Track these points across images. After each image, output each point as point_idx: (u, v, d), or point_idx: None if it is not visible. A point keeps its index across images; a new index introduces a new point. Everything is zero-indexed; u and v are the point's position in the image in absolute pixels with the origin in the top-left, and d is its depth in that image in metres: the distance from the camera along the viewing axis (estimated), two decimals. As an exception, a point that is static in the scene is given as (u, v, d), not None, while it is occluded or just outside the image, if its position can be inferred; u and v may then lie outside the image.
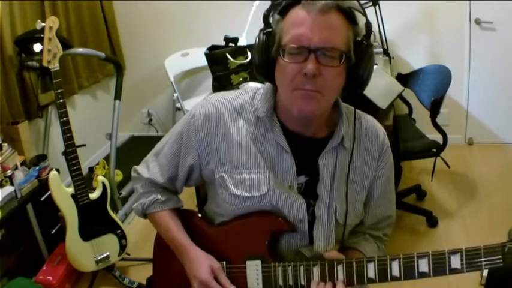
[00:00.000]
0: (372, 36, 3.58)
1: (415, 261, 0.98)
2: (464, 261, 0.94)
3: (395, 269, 1.00)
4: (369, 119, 1.22)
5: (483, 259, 0.92)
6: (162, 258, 1.29)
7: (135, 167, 1.32)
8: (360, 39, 1.06)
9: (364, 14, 1.05)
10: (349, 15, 1.03)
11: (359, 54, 1.05)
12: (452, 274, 0.95)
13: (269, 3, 1.08)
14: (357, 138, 1.17)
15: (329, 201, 1.14)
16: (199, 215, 1.31)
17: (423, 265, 0.98)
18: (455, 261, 0.94)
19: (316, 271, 1.08)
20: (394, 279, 1.01)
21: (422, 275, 0.98)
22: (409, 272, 0.99)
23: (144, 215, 1.30)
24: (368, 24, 1.06)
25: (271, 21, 1.08)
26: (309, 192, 1.15)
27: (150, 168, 1.27)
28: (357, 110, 1.18)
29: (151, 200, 1.26)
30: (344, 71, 1.05)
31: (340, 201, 1.14)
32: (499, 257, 0.90)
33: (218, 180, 1.17)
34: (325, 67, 1.00)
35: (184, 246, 1.21)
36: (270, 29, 1.07)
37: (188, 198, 1.41)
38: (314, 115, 1.07)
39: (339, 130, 1.14)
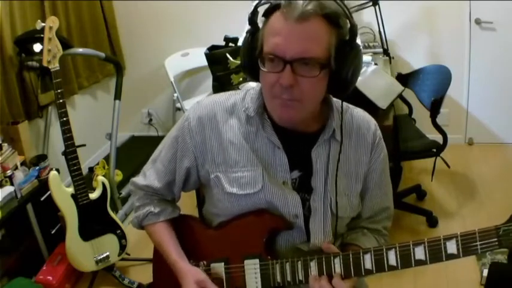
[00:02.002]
0: (372, 36, 3.59)
1: (411, 250, 0.98)
2: (460, 246, 0.93)
3: (392, 258, 1.00)
4: (359, 112, 1.23)
5: (479, 243, 0.91)
6: (161, 264, 1.29)
7: (132, 179, 1.33)
8: (343, 41, 1.02)
9: (349, 16, 1.01)
10: (332, 19, 0.99)
11: (342, 57, 1.02)
12: (449, 260, 0.95)
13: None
14: (349, 130, 1.18)
15: (324, 194, 1.14)
16: (197, 218, 1.32)
17: (419, 253, 0.97)
18: (451, 247, 0.94)
19: (313, 265, 1.08)
20: (391, 268, 1.01)
21: (419, 262, 0.98)
22: (406, 260, 0.99)
23: (141, 227, 1.32)
24: (353, 28, 1.02)
25: (257, 21, 1.07)
26: (304, 187, 1.16)
27: (146, 175, 1.28)
28: (348, 104, 1.19)
29: (145, 213, 1.28)
30: (325, 77, 1.03)
31: (335, 193, 1.15)
32: (495, 239, 0.90)
33: (213, 180, 1.18)
34: (303, 77, 1.00)
35: (172, 262, 1.22)
36: (254, 30, 1.07)
37: (188, 200, 1.41)
38: (294, 121, 1.09)
39: (330, 123, 1.14)
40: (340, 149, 1.14)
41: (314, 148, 1.14)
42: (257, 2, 1.06)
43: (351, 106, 1.22)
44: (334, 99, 1.17)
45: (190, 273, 1.18)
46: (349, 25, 1.02)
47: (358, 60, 1.05)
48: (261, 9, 1.06)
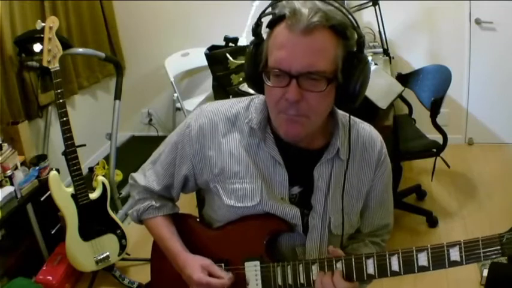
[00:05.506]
0: (372, 36, 3.59)
1: (414, 256, 0.98)
2: (463, 254, 0.93)
3: (395, 264, 1.00)
4: (366, 128, 1.20)
5: (482, 250, 0.91)
6: (159, 262, 1.29)
7: (132, 174, 1.32)
8: (351, 53, 0.99)
9: (357, 27, 0.99)
10: (338, 31, 0.96)
11: (349, 70, 0.99)
12: (452, 267, 0.95)
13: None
14: (354, 148, 1.14)
15: (323, 213, 1.13)
16: (197, 219, 1.31)
17: (422, 259, 0.97)
18: (454, 254, 0.94)
19: (315, 269, 1.07)
20: (394, 274, 1.00)
21: (422, 269, 0.98)
22: (409, 266, 0.99)
23: (140, 221, 1.30)
24: (360, 39, 0.99)
25: (262, 33, 1.04)
26: (304, 203, 1.14)
27: (146, 175, 1.27)
28: (355, 118, 1.16)
29: (146, 206, 1.26)
30: (333, 90, 1.00)
31: (335, 212, 1.13)
32: (498, 247, 0.90)
33: (212, 190, 1.17)
34: (309, 92, 0.97)
35: (175, 253, 1.21)
36: (259, 42, 1.04)
37: (189, 200, 1.41)
38: (300, 137, 1.06)
39: (334, 141, 1.11)
40: (346, 168, 1.12)
41: (317, 166, 1.12)
42: (261, 12, 1.03)
43: (357, 121, 1.19)
44: (341, 112, 1.14)
45: (195, 260, 1.17)
46: (356, 36, 0.99)
47: (366, 72, 1.01)
48: (265, 20, 1.03)
